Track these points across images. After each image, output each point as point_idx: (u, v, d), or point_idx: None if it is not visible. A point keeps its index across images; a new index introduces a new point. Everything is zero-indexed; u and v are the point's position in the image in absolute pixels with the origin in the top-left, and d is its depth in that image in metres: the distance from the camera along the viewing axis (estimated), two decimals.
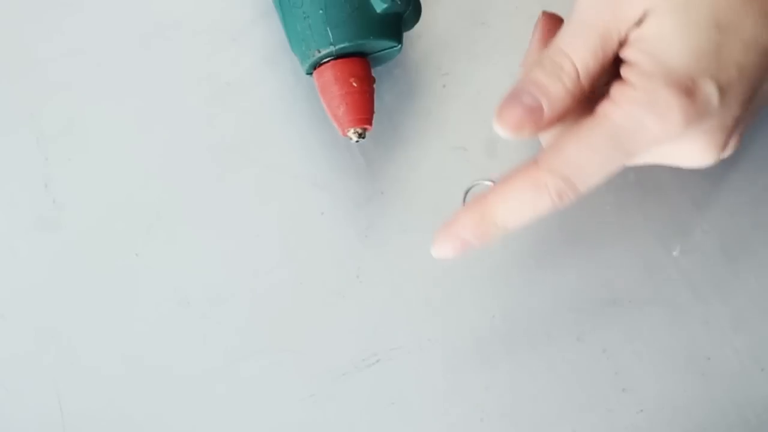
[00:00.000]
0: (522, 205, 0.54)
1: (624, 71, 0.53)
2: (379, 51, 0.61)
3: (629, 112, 0.52)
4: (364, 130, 0.60)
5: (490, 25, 0.65)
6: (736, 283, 0.62)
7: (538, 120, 0.53)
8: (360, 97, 0.60)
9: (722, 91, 0.52)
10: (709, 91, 0.52)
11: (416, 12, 0.61)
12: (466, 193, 0.63)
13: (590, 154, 0.53)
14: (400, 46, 0.61)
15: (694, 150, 0.55)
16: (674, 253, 0.62)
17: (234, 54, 0.65)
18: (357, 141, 0.60)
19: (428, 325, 0.62)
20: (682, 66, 0.52)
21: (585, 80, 0.53)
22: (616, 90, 0.53)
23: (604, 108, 0.53)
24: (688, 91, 0.52)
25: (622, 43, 0.53)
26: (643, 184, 0.61)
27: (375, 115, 0.61)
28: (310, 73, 0.61)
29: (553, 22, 0.58)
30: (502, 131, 0.53)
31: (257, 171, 0.64)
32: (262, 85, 0.65)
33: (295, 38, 0.60)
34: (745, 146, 0.62)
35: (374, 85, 0.61)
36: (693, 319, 0.62)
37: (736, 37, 0.52)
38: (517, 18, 0.65)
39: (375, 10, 0.59)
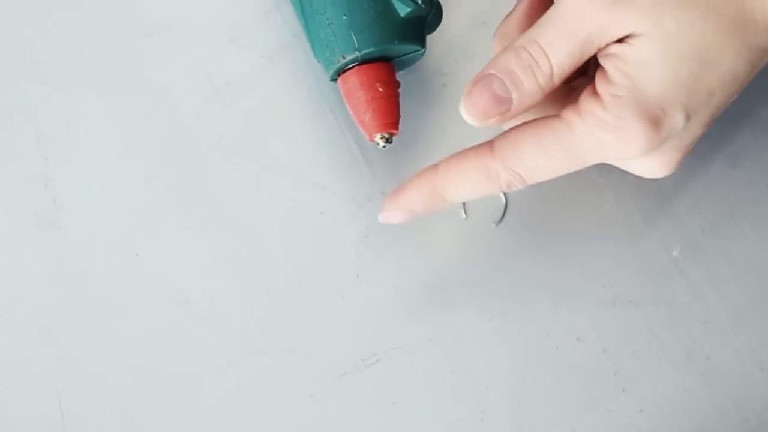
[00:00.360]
0: (472, 188, 0.55)
1: (599, 82, 0.53)
2: (403, 55, 0.61)
3: (593, 131, 0.53)
4: (391, 134, 0.60)
5: (490, 25, 0.64)
6: (736, 283, 0.62)
7: (504, 111, 0.54)
8: (386, 102, 0.60)
9: (688, 117, 0.53)
10: (677, 119, 0.53)
11: (438, 15, 0.61)
12: None
13: (545, 157, 0.54)
14: (423, 49, 0.61)
15: (647, 166, 0.56)
16: (674, 253, 0.62)
17: (234, 54, 0.65)
18: (384, 146, 0.60)
19: (428, 325, 0.62)
20: (656, 96, 0.52)
21: (558, 79, 0.53)
22: (586, 102, 0.53)
23: (569, 116, 0.53)
24: (656, 121, 0.52)
25: (600, 49, 0.53)
26: (643, 184, 0.61)
27: None
28: (335, 80, 0.61)
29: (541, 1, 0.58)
30: (468, 117, 0.54)
31: (257, 171, 0.64)
32: (262, 85, 0.64)
33: (318, 45, 0.60)
34: (745, 146, 0.63)
35: (399, 90, 0.61)
36: (693, 319, 0.62)
37: (715, 68, 0.52)
38: None
39: (399, 15, 0.59)
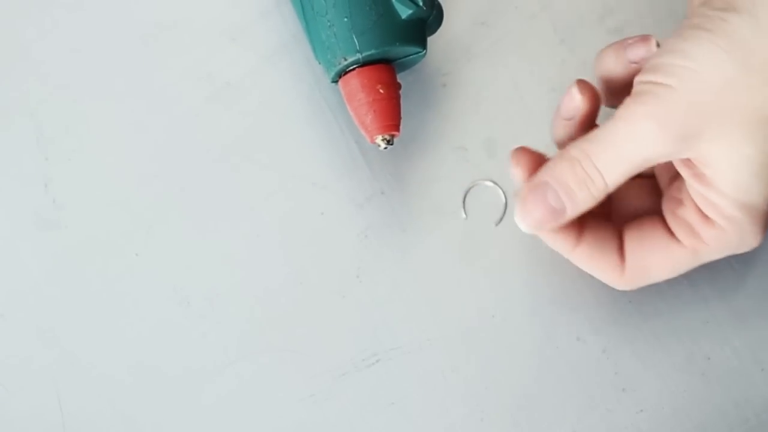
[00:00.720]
0: (595, 272, 0.58)
1: (704, 207, 0.55)
2: (403, 57, 0.61)
3: (721, 251, 0.56)
4: (392, 136, 0.60)
5: (489, 25, 0.65)
6: (736, 283, 0.62)
7: (559, 221, 0.55)
8: (387, 103, 0.60)
9: None
10: None
11: (439, 17, 0.61)
12: (466, 193, 0.63)
13: (672, 275, 0.58)
14: (424, 51, 0.61)
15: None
16: None
17: (234, 54, 0.65)
18: (385, 147, 0.60)
19: (428, 325, 0.62)
20: (763, 199, 0.54)
21: (611, 191, 0.55)
22: (703, 228, 0.55)
23: (696, 246, 0.56)
24: (765, 224, 0.56)
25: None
26: None
27: None
28: (336, 81, 0.61)
29: (593, 104, 0.58)
30: (522, 225, 0.56)
31: (257, 171, 0.64)
32: (262, 85, 0.65)
33: (320, 47, 0.60)
34: None
35: (400, 91, 0.61)
36: (693, 319, 0.62)
37: None
38: (516, 18, 0.65)
39: (400, 17, 0.59)
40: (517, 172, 0.57)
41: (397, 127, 0.60)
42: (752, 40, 0.51)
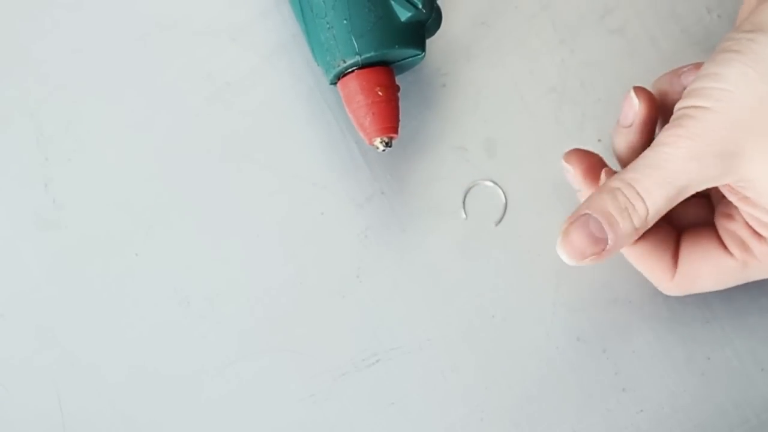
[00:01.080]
0: (646, 273, 0.59)
1: (754, 224, 0.56)
2: (402, 59, 0.61)
3: None
4: (390, 138, 0.60)
5: (489, 24, 0.65)
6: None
7: (601, 251, 0.55)
8: (386, 106, 0.60)
9: None
10: None
11: (438, 19, 0.61)
12: (466, 193, 0.63)
13: (720, 287, 0.58)
14: (423, 54, 0.61)
15: None
16: None
17: (233, 54, 0.65)
18: (383, 150, 0.60)
19: (428, 325, 0.62)
20: None
21: (653, 219, 0.55)
22: (754, 244, 0.56)
23: (747, 259, 0.57)
24: None
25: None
26: None
27: None
28: (334, 83, 0.61)
29: (651, 109, 0.58)
30: (565, 257, 0.56)
31: (257, 171, 0.64)
32: (262, 85, 0.65)
33: (319, 49, 0.60)
34: None
35: (399, 93, 0.61)
36: (693, 320, 0.62)
37: None
38: (516, 18, 0.65)
39: (399, 19, 0.60)
40: (571, 173, 0.58)
41: (395, 129, 0.60)
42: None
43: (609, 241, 0.55)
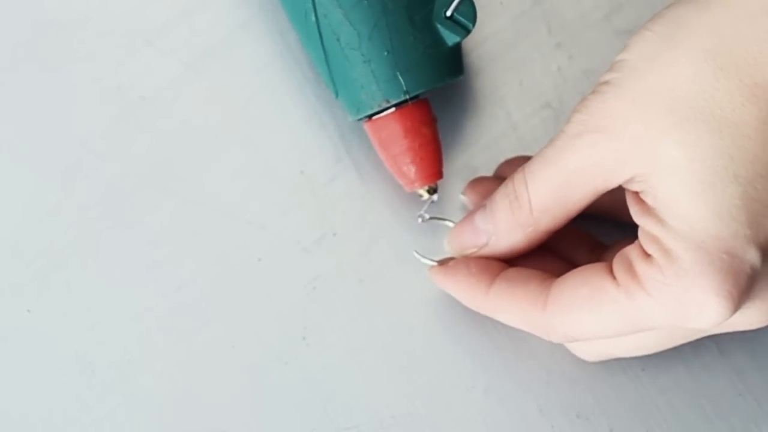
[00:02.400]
0: (518, 323, 0.55)
1: (642, 239, 0.51)
2: (439, 86, 0.59)
3: (661, 304, 0.50)
4: (436, 183, 0.58)
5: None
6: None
7: (482, 244, 0.55)
8: (432, 146, 0.57)
9: (764, 250, 0.49)
10: (749, 257, 0.49)
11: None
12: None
13: (603, 328, 0.52)
14: (461, 76, 0.59)
15: (741, 321, 0.53)
16: None
17: (149, 61, 0.61)
18: (429, 198, 0.58)
19: (391, 399, 0.59)
20: (710, 239, 0.49)
21: (541, 219, 0.53)
22: (640, 265, 0.51)
23: (629, 285, 0.51)
24: (725, 272, 0.49)
25: (597, 193, 0.52)
26: None
27: (326, 141, 0.60)
28: (361, 120, 0.59)
29: None
30: (446, 246, 0.56)
31: (178, 206, 0.60)
32: (185, 100, 0.61)
33: (347, 85, 0.57)
34: None
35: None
36: (723, 391, 0.58)
37: (766, 181, 0.49)
38: (502, 17, 0.62)
39: (446, 44, 0.57)
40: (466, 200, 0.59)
41: (441, 173, 0.58)
42: (686, 15, 0.50)
43: (491, 235, 0.54)
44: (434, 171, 0.58)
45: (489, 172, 0.60)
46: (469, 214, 0.55)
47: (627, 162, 0.50)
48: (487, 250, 0.55)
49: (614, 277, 0.52)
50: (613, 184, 0.51)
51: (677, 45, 0.49)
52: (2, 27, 0.62)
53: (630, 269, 0.51)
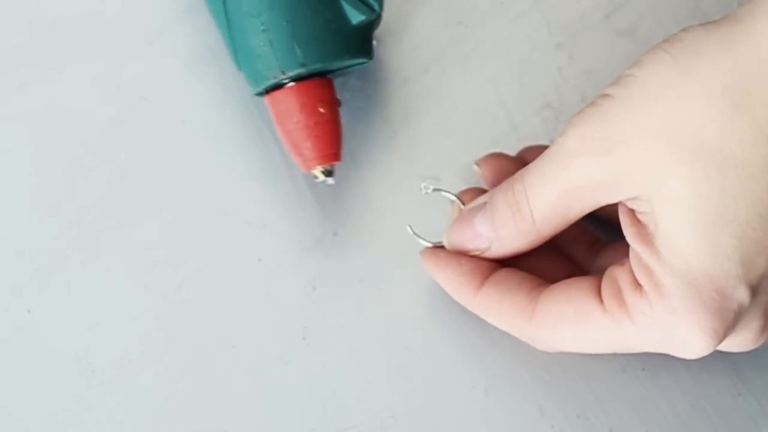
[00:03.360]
0: (505, 327, 0.55)
1: (635, 266, 0.51)
2: (345, 68, 0.59)
3: (646, 333, 0.51)
4: (333, 166, 0.59)
5: (468, 24, 0.63)
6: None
7: (483, 250, 0.55)
8: (329, 127, 0.58)
9: (754, 289, 0.50)
10: (739, 297, 0.49)
11: (379, 18, 0.59)
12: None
13: (587, 346, 0.53)
14: (370, 60, 0.59)
15: (725, 346, 0.53)
16: None
17: (150, 61, 0.62)
18: (324, 180, 0.58)
19: (392, 399, 0.59)
20: (703, 276, 0.49)
21: (543, 228, 0.53)
22: (629, 294, 0.51)
23: (615, 312, 0.51)
24: (714, 310, 0.49)
25: (598, 209, 0.52)
26: None
27: None
28: (260, 95, 0.59)
29: None
30: (445, 242, 0.56)
31: (178, 206, 0.61)
32: (184, 100, 0.62)
33: (246, 54, 0.57)
34: None
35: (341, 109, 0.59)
36: (721, 391, 0.58)
37: (764, 220, 0.49)
38: (502, 16, 0.63)
39: (350, 23, 0.57)
40: (482, 176, 0.59)
41: (338, 156, 0.58)
42: (708, 46, 0.49)
43: (491, 241, 0.54)
44: (330, 152, 0.58)
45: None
46: (468, 213, 0.55)
47: (629, 183, 0.50)
48: (489, 254, 0.55)
49: (601, 301, 0.52)
50: (614, 199, 0.51)
51: (696, 78, 0.49)
52: (2, 27, 0.62)
53: (618, 296, 0.52)
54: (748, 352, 0.58)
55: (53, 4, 0.62)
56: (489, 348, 0.59)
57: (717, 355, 0.58)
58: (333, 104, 0.57)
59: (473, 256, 0.55)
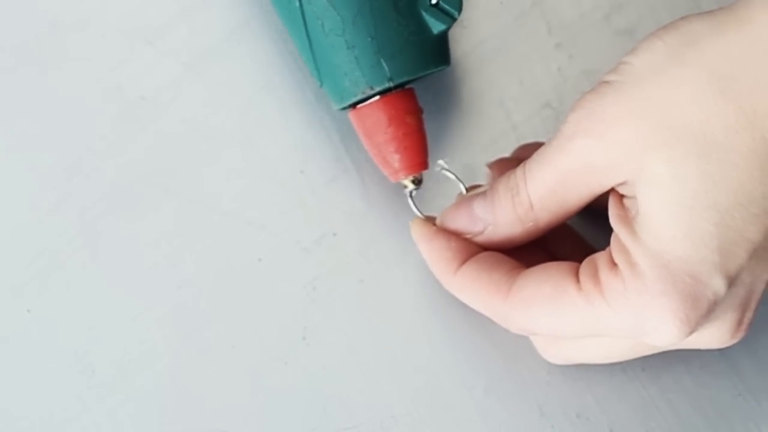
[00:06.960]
0: (481, 307, 0.56)
1: (613, 247, 0.52)
2: (425, 76, 0.59)
3: (618, 314, 0.51)
4: (420, 174, 0.59)
5: (468, 25, 0.63)
6: None
7: (478, 232, 0.55)
8: (417, 136, 0.58)
9: (730, 278, 0.50)
10: (715, 285, 0.50)
11: None
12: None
13: (561, 328, 0.53)
14: (448, 66, 0.59)
15: (699, 340, 0.54)
16: None
17: (149, 61, 0.62)
18: (414, 190, 0.58)
19: (392, 399, 0.59)
20: (678, 261, 0.50)
21: (542, 215, 0.54)
22: (605, 273, 0.52)
23: (589, 290, 0.52)
24: (688, 296, 0.50)
25: (595, 197, 0.53)
26: None
27: (326, 141, 0.61)
28: (345, 109, 0.59)
29: None
30: (439, 219, 0.57)
31: (178, 206, 0.61)
32: (185, 100, 0.62)
33: (330, 72, 0.58)
34: None
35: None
36: (723, 391, 0.59)
37: (742, 209, 0.50)
38: (501, 16, 0.63)
39: (431, 32, 0.58)
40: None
41: (427, 164, 0.58)
42: (701, 32, 0.50)
43: (488, 225, 0.55)
44: (419, 161, 0.58)
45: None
46: (467, 198, 0.56)
47: (618, 167, 0.51)
48: (482, 239, 0.55)
49: (578, 280, 0.53)
50: (606, 186, 0.52)
51: (685, 62, 0.50)
52: (2, 27, 0.62)
53: (594, 275, 0.52)
54: (748, 352, 0.61)
55: (53, 4, 0.62)
56: (489, 348, 0.60)
57: (717, 356, 0.60)
58: (418, 113, 0.58)
59: (464, 238, 0.55)
